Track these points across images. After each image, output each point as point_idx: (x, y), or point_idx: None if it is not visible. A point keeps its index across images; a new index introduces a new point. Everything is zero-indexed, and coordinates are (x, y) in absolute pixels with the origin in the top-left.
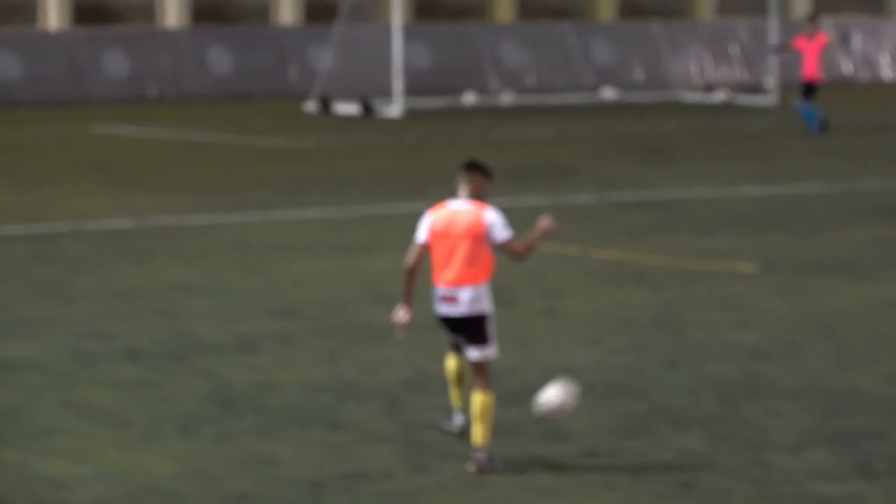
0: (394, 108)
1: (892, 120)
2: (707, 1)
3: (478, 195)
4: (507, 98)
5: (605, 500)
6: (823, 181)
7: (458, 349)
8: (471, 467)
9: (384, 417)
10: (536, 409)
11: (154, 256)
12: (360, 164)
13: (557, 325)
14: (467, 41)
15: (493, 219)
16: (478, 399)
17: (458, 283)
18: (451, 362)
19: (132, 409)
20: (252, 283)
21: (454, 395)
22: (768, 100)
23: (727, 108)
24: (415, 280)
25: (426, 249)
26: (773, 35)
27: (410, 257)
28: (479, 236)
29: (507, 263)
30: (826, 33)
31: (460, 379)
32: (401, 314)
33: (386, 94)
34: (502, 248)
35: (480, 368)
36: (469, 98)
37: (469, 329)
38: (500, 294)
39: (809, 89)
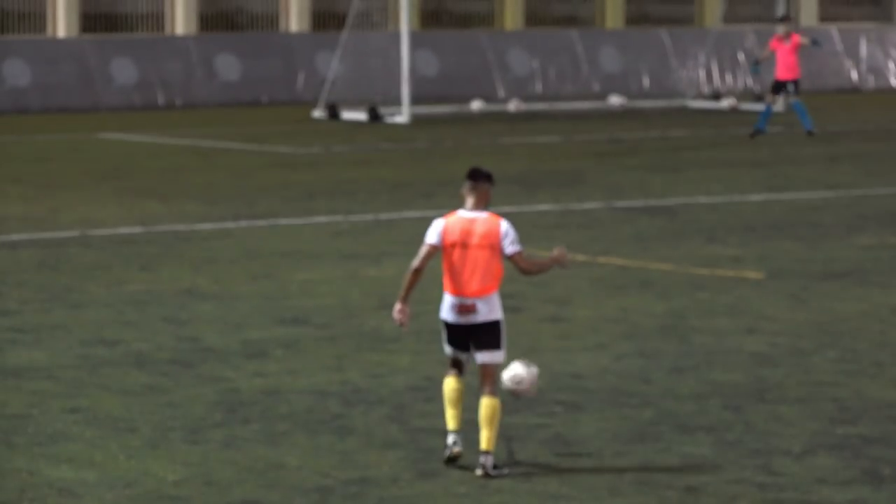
0: (401, 116)
1: None
2: (714, 8)
3: (486, 203)
4: (514, 105)
5: None
6: (830, 188)
7: (458, 368)
8: (478, 471)
9: (391, 423)
10: (506, 383)
11: (162, 263)
12: (368, 171)
13: (564, 332)
14: (474, 48)
15: (506, 229)
16: (485, 403)
17: (478, 293)
18: (451, 383)
19: (139, 415)
20: (259, 290)
21: (451, 418)
22: (775, 107)
23: (734, 115)
24: (418, 281)
25: (435, 251)
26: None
27: (419, 258)
28: (495, 245)
29: (514, 270)
30: (800, 34)
31: (459, 400)
32: (398, 312)
33: (393, 101)
34: (510, 260)
35: (488, 372)
36: (476, 105)
37: (483, 334)
38: (507, 301)
39: (780, 86)
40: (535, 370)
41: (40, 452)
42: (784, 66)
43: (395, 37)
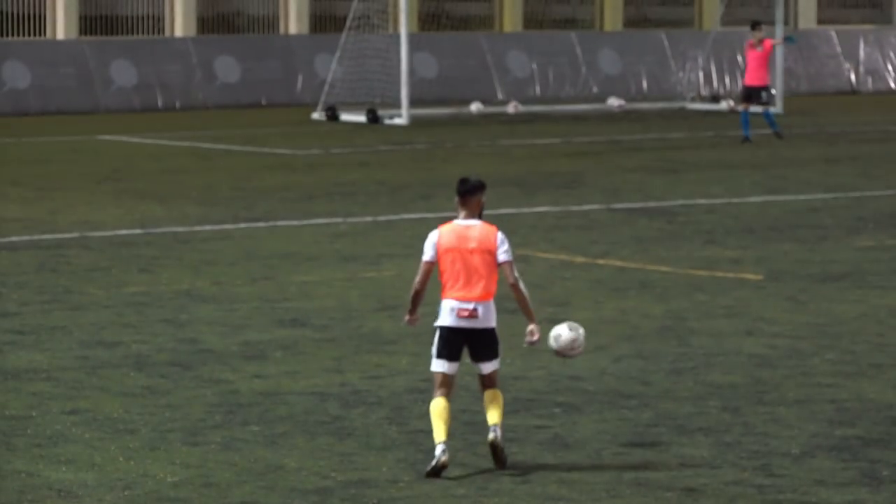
0: (400, 117)
1: None
2: (713, 11)
3: (480, 211)
4: (513, 107)
5: None
6: (829, 190)
7: (446, 388)
8: (490, 436)
9: (390, 425)
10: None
11: (161, 265)
12: (367, 173)
13: None
14: (473, 50)
15: (502, 238)
16: (489, 393)
17: (480, 298)
18: (440, 402)
19: (139, 416)
20: (259, 292)
21: (439, 430)
22: (774, 109)
23: (733, 116)
24: (422, 299)
25: (432, 267)
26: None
27: (418, 279)
28: (492, 251)
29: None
30: (772, 38)
31: (447, 417)
32: (407, 321)
33: (393, 103)
34: (500, 267)
35: (491, 379)
36: (475, 107)
37: (482, 341)
38: (505, 302)
39: (752, 94)
40: (579, 333)
41: (40, 454)
42: (753, 72)
43: (395, 39)
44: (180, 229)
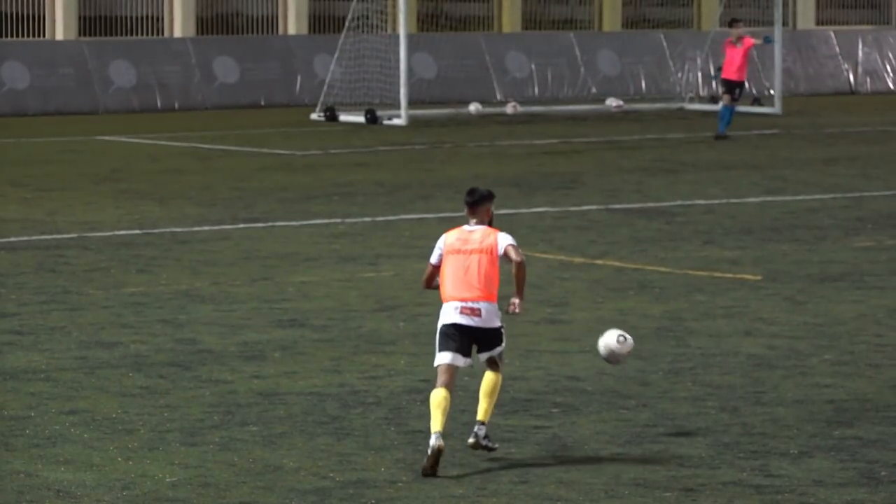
0: (399, 118)
1: (895, 129)
2: (711, 11)
3: (489, 219)
4: (511, 107)
5: None
6: (827, 190)
7: (448, 378)
8: (470, 440)
9: (388, 426)
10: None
11: (160, 265)
12: (366, 174)
13: (561, 334)
14: (472, 51)
15: (503, 235)
16: (489, 376)
17: (478, 298)
18: (441, 392)
19: (137, 416)
20: (257, 292)
21: (437, 420)
22: (772, 109)
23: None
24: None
25: (437, 271)
26: (779, 45)
27: (425, 278)
28: (493, 251)
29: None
30: (752, 37)
31: (447, 407)
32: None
33: (391, 103)
34: (505, 255)
35: (493, 360)
36: (474, 107)
37: (486, 338)
38: (504, 303)
39: (732, 87)
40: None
41: (38, 454)
42: (731, 67)
43: (393, 39)
44: (179, 230)
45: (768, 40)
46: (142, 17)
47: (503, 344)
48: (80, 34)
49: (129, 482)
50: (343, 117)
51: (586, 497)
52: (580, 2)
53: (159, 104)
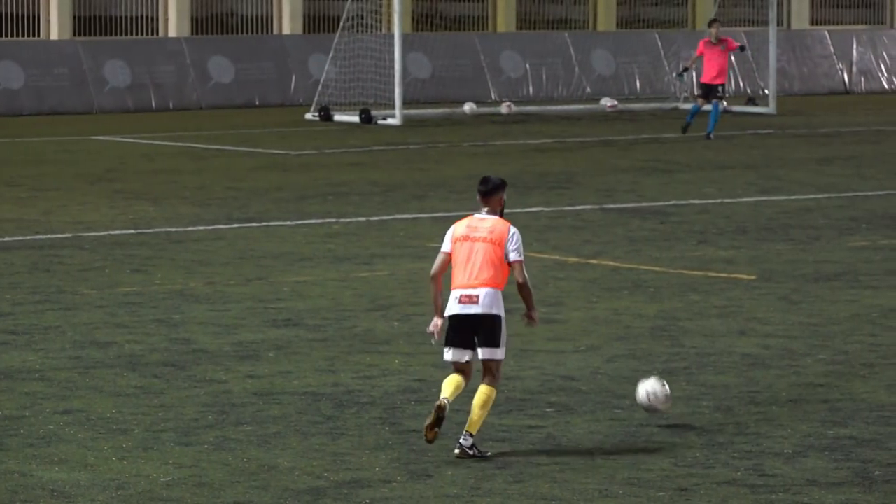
0: (394, 118)
1: (890, 129)
2: (706, 11)
3: (501, 208)
4: (506, 107)
5: None
6: (822, 190)
7: (462, 372)
8: (456, 451)
9: (383, 425)
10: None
11: (154, 265)
12: (361, 173)
13: (556, 333)
14: (467, 51)
15: (514, 233)
16: (483, 389)
17: (479, 284)
18: (454, 377)
19: (131, 416)
20: (252, 292)
21: (446, 391)
22: (767, 109)
23: (726, 117)
24: (440, 287)
25: (448, 258)
26: (773, 45)
27: (435, 266)
28: (500, 242)
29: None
30: (732, 38)
31: (457, 388)
32: (433, 325)
33: (386, 103)
34: (510, 267)
35: (489, 367)
36: (468, 107)
37: (483, 328)
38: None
39: (710, 90)
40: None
41: (33, 454)
42: (715, 69)
43: (388, 39)
44: (173, 229)
45: (742, 49)
46: (136, 17)
47: (502, 349)
48: (74, 34)
49: (124, 482)
50: (338, 117)
51: (581, 497)
52: (575, 1)
53: (154, 104)
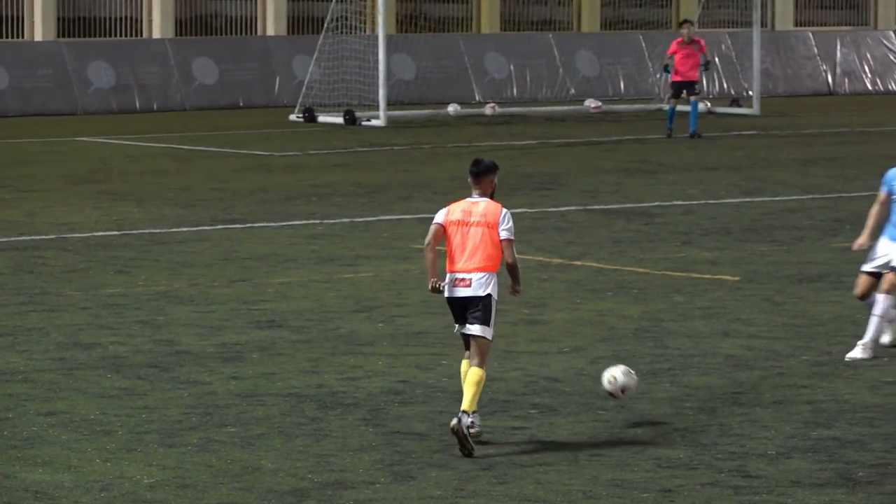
0: (378, 119)
1: (873, 130)
2: (690, 12)
3: (492, 191)
4: (490, 108)
5: None
6: (805, 191)
7: (468, 350)
8: (453, 422)
9: (367, 427)
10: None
11: (139, 266)
12: (345, 175)
13: (540, 334)
14: (451, 52)
15: (505, 214)
16: (473, 370)
17: (475, 269)
18: (465, 366)
19: (115, 418)
20: (236, 293)
21: (464, 398)
22: (751, 110)
23: (709, 117)
24: (436, 254)
25: (441, 229)
26: (757, 46)
27: (429, 236)
28: (492, 225)
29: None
30: (703, 39)
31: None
32: (431, 283)
33: (370, 104)
34: (502, 244)
35: (478, 346)
36: (452, 108)
37: (474, 305)
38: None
39: (683, 87)
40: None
41: (16, 455)
42: (686, 67)
43: (372, 40)
44: (158, 231)
45: (706, 67)
46: (120, 19)
47: (491, 328)
48: (58, 35)
49: (108, 483)
50: (322, 118)
51: (564, 498)
52: (559, 3)
53: (138, 105)
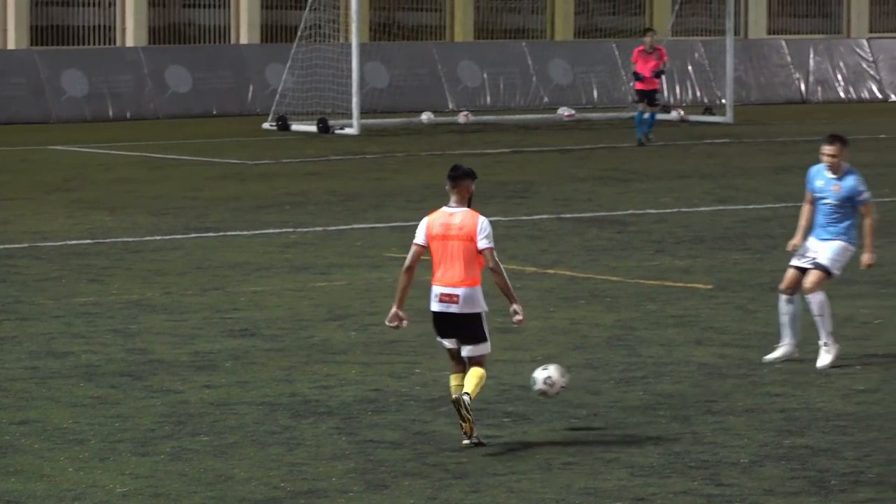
0: (351, 127)
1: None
2: (663, 20)
3: (468, 198)
4: (463, 117)
5: None
6: (778, 199)
7: (457, 361)
8: (454, 395)
9: (340, 435)
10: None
11: (112, 275)
12: (318, 183)
13: (513, 343)
14: (424, 60)
15: (483, 224)
16: (474, 370)
17: (458, 283)
18: (455, 380)
19: (88, 427)
20: (209, 302)
21: (454, 385)
22: (724, 118)
23: (683, 126)
24: (411, 280)
25: (422, 250)
26: (730, 54)
27: (408, 259)
28: (472, 237)
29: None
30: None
31: (460, 380)
32: (390, 318)
33: (343, 113)
34: (480, 254)
35: (475, 361)
36: (426, 117)
37: (465, 327)
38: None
39: (646, 95)
40: (565, 379)
41: None
42: (648, 75)
43: (346, 49)
44: (131, 239)
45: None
46: (94, 27)
47: (487, 342)
48: (32, 43)
49: (80, 493)
50: (295, 127)
51: None
52: (532, 11)
53: (111, 113)
